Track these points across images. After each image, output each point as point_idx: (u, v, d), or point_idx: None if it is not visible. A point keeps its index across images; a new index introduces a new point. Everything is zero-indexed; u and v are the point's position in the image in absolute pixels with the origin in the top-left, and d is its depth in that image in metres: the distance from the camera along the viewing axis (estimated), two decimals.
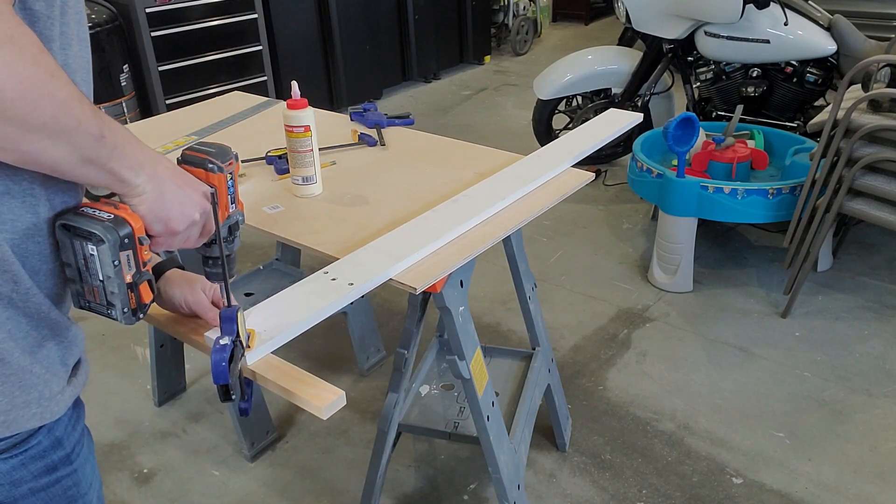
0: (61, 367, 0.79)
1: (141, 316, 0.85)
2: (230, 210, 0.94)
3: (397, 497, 1.97)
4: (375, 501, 1.77)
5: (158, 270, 1.05)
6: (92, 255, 0.78)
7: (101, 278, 0.80)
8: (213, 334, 1.00)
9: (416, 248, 1.30)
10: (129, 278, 0.81)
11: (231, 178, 0.92)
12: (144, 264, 0.83)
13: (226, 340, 0.92)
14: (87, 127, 0.69)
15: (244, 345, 0.98)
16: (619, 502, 1.92)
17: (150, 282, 0.85)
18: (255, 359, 1.02)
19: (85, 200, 0.81)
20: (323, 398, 0.95)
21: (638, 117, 1.92)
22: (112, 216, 0.79)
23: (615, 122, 1.88)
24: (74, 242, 0.78)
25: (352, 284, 1.17)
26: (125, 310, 0.82)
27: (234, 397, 0.92)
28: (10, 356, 0.73)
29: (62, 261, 0.79)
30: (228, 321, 0.95)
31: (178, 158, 0.90)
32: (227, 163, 0.91)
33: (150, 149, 0.80)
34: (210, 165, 0.90)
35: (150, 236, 0.83)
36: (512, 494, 1.65)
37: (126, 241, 0.79)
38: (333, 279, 1.19)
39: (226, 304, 0.97)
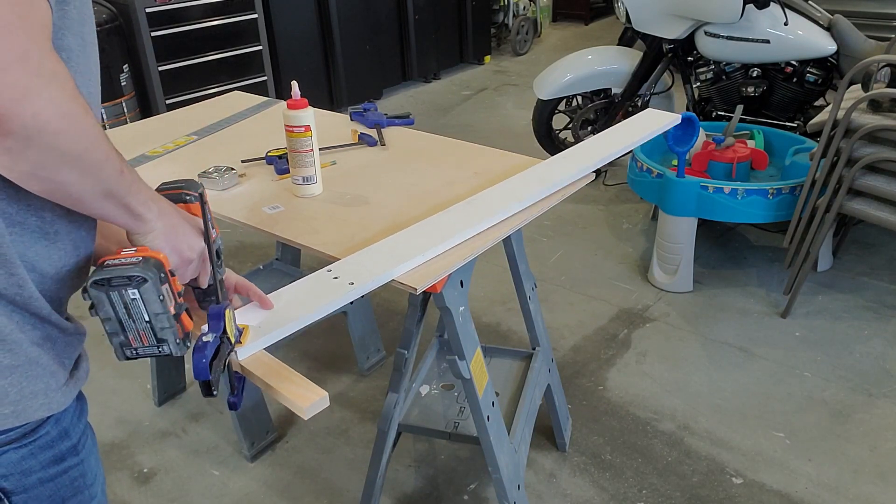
0: (66, 360, 0.82)
1: (189, 345, 0.89)
2: (213, 236, 0.97)
3: (397, 497, 1.97)
4: (375, 501, 1.77)
5: None
6: (134, 299, 0.81)
7: (147, 319, 0.83)
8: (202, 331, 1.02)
9: (421, 249, 1.29)
10: (172, 310, 0.84)
11: (205, 205, 0.95)
12: (179, 294, 0.87)
13: (209, 338, 0.93)
14: (112, 162, 0.74)
15: (233, 341, 0.99)
16: (619, 502, 1.92)
17: (188, 311, 0.89)
18: (247, 355, 1.02)
19: (103, 257, 0.83)
20: (306, 398, 0.95)
21: (676, 118, 1.84)
22: (140, 257, 0.82)
23: (652, 123, 1.82)
24: (111, 294, 0.80)
25: (352, 284, 1.17)
26: (177, 341, 0.86)
27: (215, 393, 0.92)
28: (19, 347, 0.75)
29: (100, 317, 0.82)
30: (215, 318, 0.96)
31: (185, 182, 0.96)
32: (199, 192, 0.95)
33: (150, 188, 0.85)
34: (187, 197, 0.94)
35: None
36: (512, 494, 1.65)
37: (163, 275, 0.83)
38: (336, 278, 1.19)
39: (216, 300, 0.99)
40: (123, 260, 0.81)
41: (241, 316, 1.07)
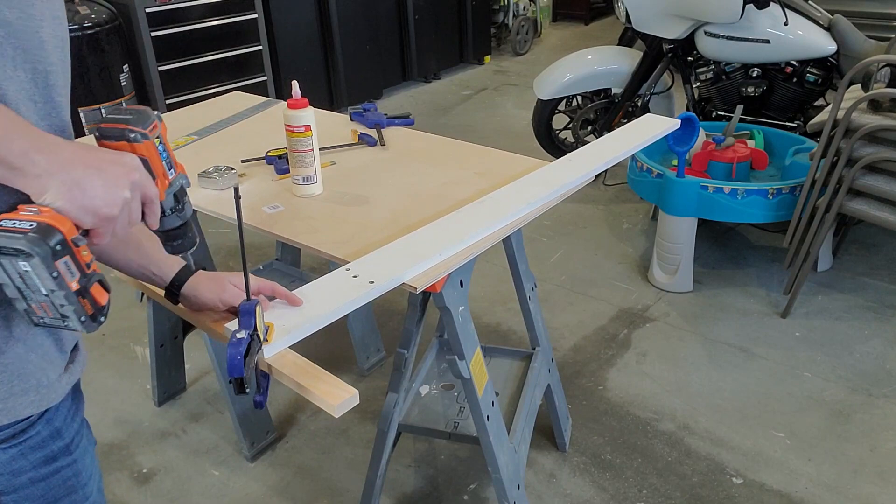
0: (58, 355, 0.80)
1: (102, 320, 0.77)
2: (170, 177, 0.85)
3: (397, 497, 1.97)
4: (375, 501, 1.77)
5: (182, 279, 1.08)
6: (27, 271, 0.70)
7: (45, 293, 0.72)
8: (232, 327, 1.02)
9: (438, 248, 1.30)
10: (75, 286, 0.73)
11: (160, 142, 0.83)
12: (88, 266, 0.75)
13: (242, 334, 0.94)
14: None
15: (261, 339, 0.99)
16: (619, 502, 1.92)
17: (101, 281, 0.77)
18: (273, 353, 1.02)
19: (2, 214, 0.71)
20: (336, 396, 0.96)
21: (675, 123, 1.87)
22: (34, 224, 0.69)
23: (651, 128, 1.84)
24: (3, 261, 0.70)
25: (372, 283, 1.18)
26: (82, 318, 0.75)
27: (248, 391, 0.93)
28: (5, 344, 0.73)
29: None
30: (246, 315, 0.96)
31: (94, 135, 0.81)
32: (150, 127, 0.82)
33: (51, 136, 0.72)
34: (132, 135, 0.80)
35: (86, 232, 0.75)
36: (512, 494, 1.65)
37: (59, 248, 0.71)
38: (355, 276, 1.20)
39: (246, 298, 0.99)
40: (16, 224, 0.69)
41: (265, 314, 1.08)
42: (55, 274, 0.71)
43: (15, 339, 0.74)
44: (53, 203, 0.70)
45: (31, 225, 0.69)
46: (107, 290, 0.78)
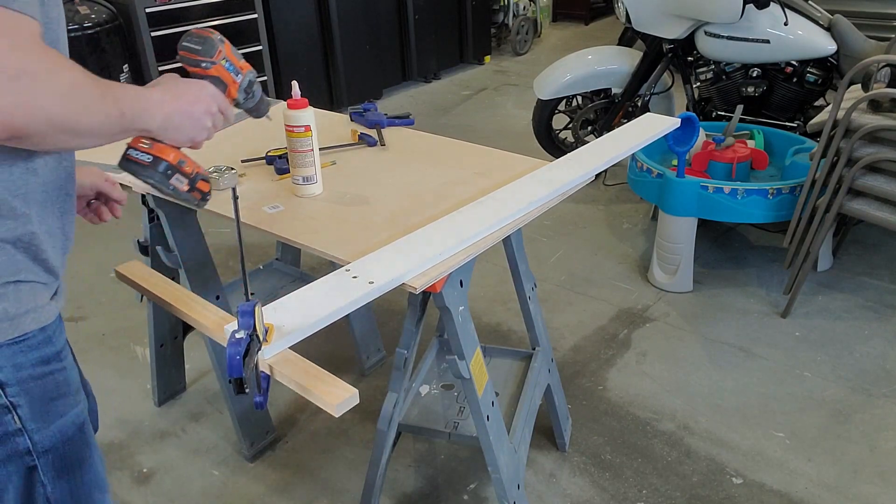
0: (45, 288, 0.96)
1: (209, 198, 1.14)
2: (238, 80, 1.13)
3: (397, 497, 1.97)
4: (375, 501, 1.77)
5: None
6: (152, 183, 1.04)
7: (168, 192, 1.07)
8: (230, 327, 1.02)
9: (438, 248, 1.30)
10: (184, 187, 1.08)
11: (227, 60, 1.11)
12: (191, 173, 1.08)
13: (241, 334, 0.94)
14: (111, 118, 0.88)
15: (261, 339, 0.99)
16: (619, 502, 1.92)
17: (203, 179, 1.12)
18: (273, 353, 1.02)
19: (129, 142, 1.02)
20: (336, 395, 0.96)
21: (675, 122, 1.87)
22: (150, 157, 1.02)
23: (651, 128, 1.84)
24: (137, 175, 1.03)
25: (372, 283, 1.18)
26: (196, 203, 1.12)
27: (247, 391, 0.93)
28: (17, 275, 0.91)
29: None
30: (246, 315, 0.96)
31: (178, 56, 1.11)
32: (217, 52, 1.09)
33: (153, 90, 0.99)
34: (203, 64, 1.09)
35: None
36: (512, 494, 1.65)
37: (169, 171, 1.04)
38: (354, 277, 1.20)
39: (245, 298, 1.03)
40: (138, 156, 1.02)
41: (265, 315, 1.08)
42: (170, 185, 1.06)
43: (21, 271, 0.92)
44: (163, 139, 1.01)
45: (147, 158, 1.02)
46: (207, 181, 1.13)
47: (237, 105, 1.17)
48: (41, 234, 0.93)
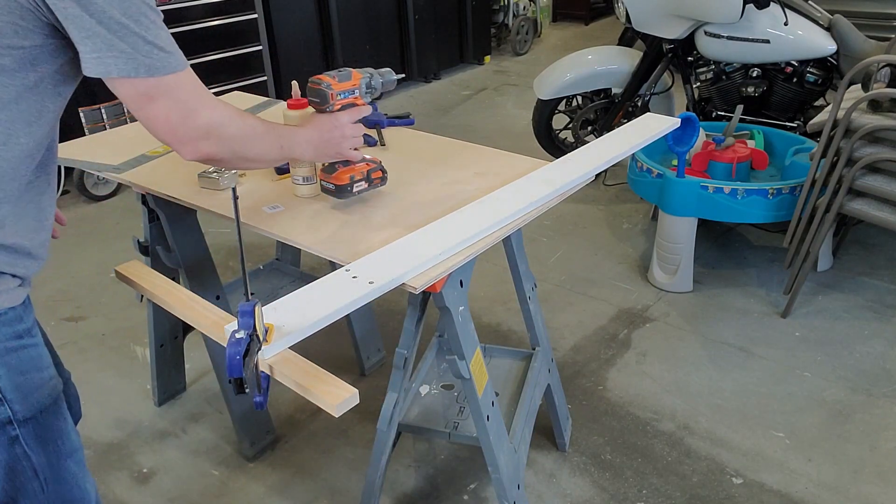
0: (21, 272, 1.06)
1: (386, 176, 1.55)
2: (356, 94, 1.43)
3: (397, 497, 1.97)
4: (375, 501, 1.77)
5: None
6: (348, 197, 1.50)
7: (362, 194, 1.53)
8: (230, 327, 1.02)
9: (438, 248, 1.30)
10: (366, 185, 1.51)
11: (340, 93, 1.39)
12: (362, 175, 1.49)
13: (241, 334, 0.94)
14: (275, 148, 1.25)
15: (261, 339, 0.99)
16: (619, 502, 1.92)
17: (372, 171, 1.50)
18: (273, 353, 1.02)
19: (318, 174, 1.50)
20: (336, 395, 0.96)
21: (675, 122, 1.87)
22: (333, 186, 1.47)
23: (652, 127, 1.84)
24: (336, 197, 1.50)
25: (372, 283, 1.18)
26: (383, 185, 1.56)
27: (247, 391, 0.93)
28: None
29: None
30: (246, 315, 0.96)
31: (307, 88, 1.41)
32: (330, 96, 1.38)
33: (301, 129, 1.34)
34: (328, 108, 1.39)
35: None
36: (512, 494, 1.65)
37: (348, 186, 1.46)
38: (354, 277, 1.20)
39: (245, 298, 1.03)
40: (327, 186, 1.48)
41: (265, 315, 1.08)
42: (355, 191, 1.50)
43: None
44: (317, 161, 1.48)
45: (332, 186, 1.47)
46: (379, 170, 1.53)
47: (373, 101, 1.51)
48: (8, 218, 1.01)
